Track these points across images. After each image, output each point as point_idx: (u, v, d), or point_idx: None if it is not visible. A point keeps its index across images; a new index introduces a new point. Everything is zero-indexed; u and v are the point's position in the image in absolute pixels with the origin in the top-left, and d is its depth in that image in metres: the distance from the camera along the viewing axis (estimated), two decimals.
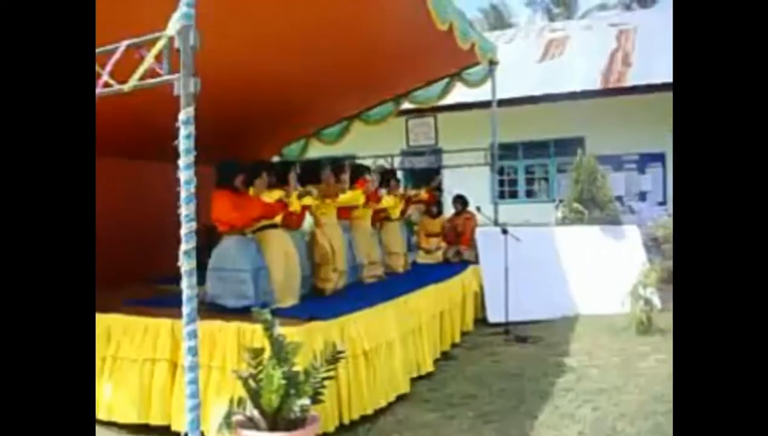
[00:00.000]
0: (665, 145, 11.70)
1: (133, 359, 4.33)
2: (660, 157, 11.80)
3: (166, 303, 4.34)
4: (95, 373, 4.27)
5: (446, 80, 8.50)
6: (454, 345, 6.44)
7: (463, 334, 6.93)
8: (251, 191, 4.95)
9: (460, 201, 8.77)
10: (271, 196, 5.00)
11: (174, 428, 4.09)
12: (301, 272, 5.19)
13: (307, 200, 5.31)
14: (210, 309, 4.39)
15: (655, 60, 11.86)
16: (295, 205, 5.13)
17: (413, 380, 5.14)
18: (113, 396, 4.37)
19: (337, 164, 6.13)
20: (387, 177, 7.53)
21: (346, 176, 6.04)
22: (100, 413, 4.36)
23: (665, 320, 6.83)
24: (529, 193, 13.28)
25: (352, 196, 5.95)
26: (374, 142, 10.92)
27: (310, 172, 5.73)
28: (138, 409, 4.25)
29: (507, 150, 12.09)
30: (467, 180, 10.42)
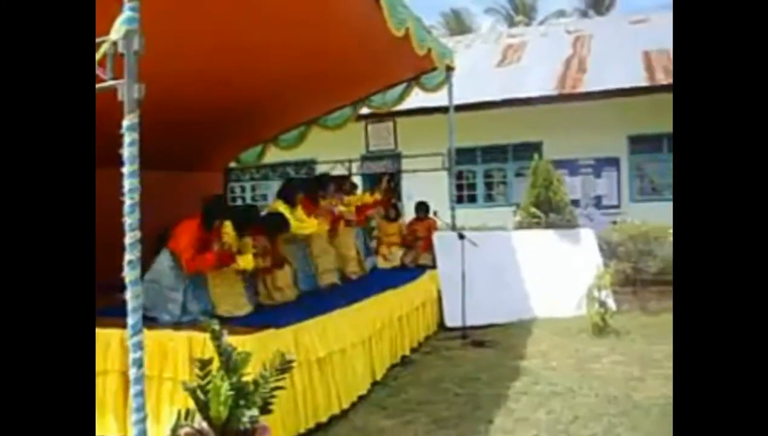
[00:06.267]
0: (620, 150, 11.97)
1: None
2: (615, 162, 12.00)
3: (117, 313, 4.23)
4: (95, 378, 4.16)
5: (404, 85, 8.53)
6: (413, 350, 6.45)
7: (427, 338, 6.94)
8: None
9: (423, 208, 8.79)
10: None
11: None
12: None
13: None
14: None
15: (609, 66, 12.09)
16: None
17: (371, 386, 5.13)
18: None
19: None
20: (342, 183, 7.50)
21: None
22: None
23: (620, 322, 6.97)
24: (488, 198, 13.36)
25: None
26: (333, 147, 10.87)
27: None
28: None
29: (466, 154, 12.16)
30: (427, 185, 10.44)
